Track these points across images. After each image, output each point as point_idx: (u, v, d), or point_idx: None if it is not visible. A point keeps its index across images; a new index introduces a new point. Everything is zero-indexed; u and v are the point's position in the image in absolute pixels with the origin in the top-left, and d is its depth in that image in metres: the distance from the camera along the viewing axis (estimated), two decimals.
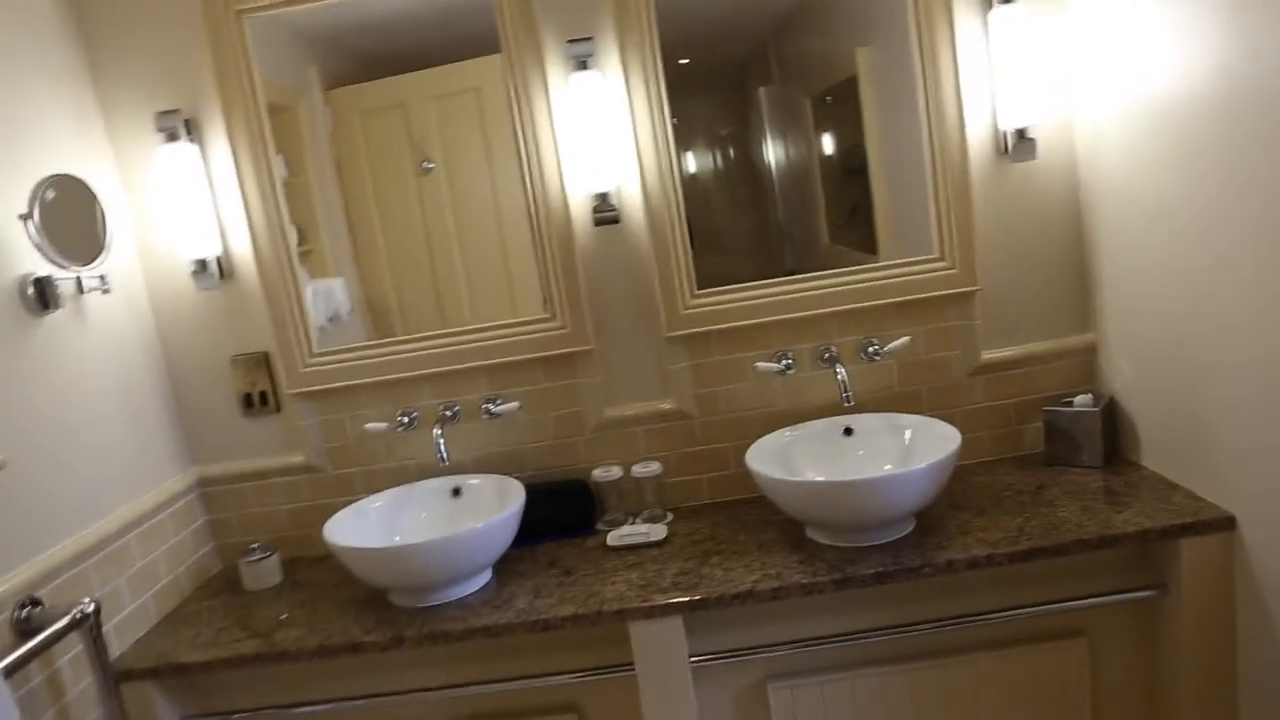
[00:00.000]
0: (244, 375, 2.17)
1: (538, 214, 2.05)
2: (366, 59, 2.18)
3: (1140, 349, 1.94)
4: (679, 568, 1.85)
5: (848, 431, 2.07)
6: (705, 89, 2.19)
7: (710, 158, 2.24)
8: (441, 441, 2.01)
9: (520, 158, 2.03)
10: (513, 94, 2.01)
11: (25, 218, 1.71)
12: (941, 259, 2.08)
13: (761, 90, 2.25)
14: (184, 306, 2.14)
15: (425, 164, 2.14)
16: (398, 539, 2.01)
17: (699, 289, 2.10)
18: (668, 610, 1.72)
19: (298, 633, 1.82)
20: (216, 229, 2.09)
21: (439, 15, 2.09)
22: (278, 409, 2.18)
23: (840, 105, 2.22)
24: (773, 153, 2.28)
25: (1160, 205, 1.78)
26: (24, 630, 1.59)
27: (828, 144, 2.26)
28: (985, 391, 2.16)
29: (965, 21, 1.99)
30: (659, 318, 2.10)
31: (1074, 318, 2.13)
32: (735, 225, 2.29)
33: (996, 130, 2.04)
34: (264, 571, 2.09)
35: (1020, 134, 2.00)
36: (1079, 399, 2.06)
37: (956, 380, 2.15)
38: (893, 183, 2.18)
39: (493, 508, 2.02)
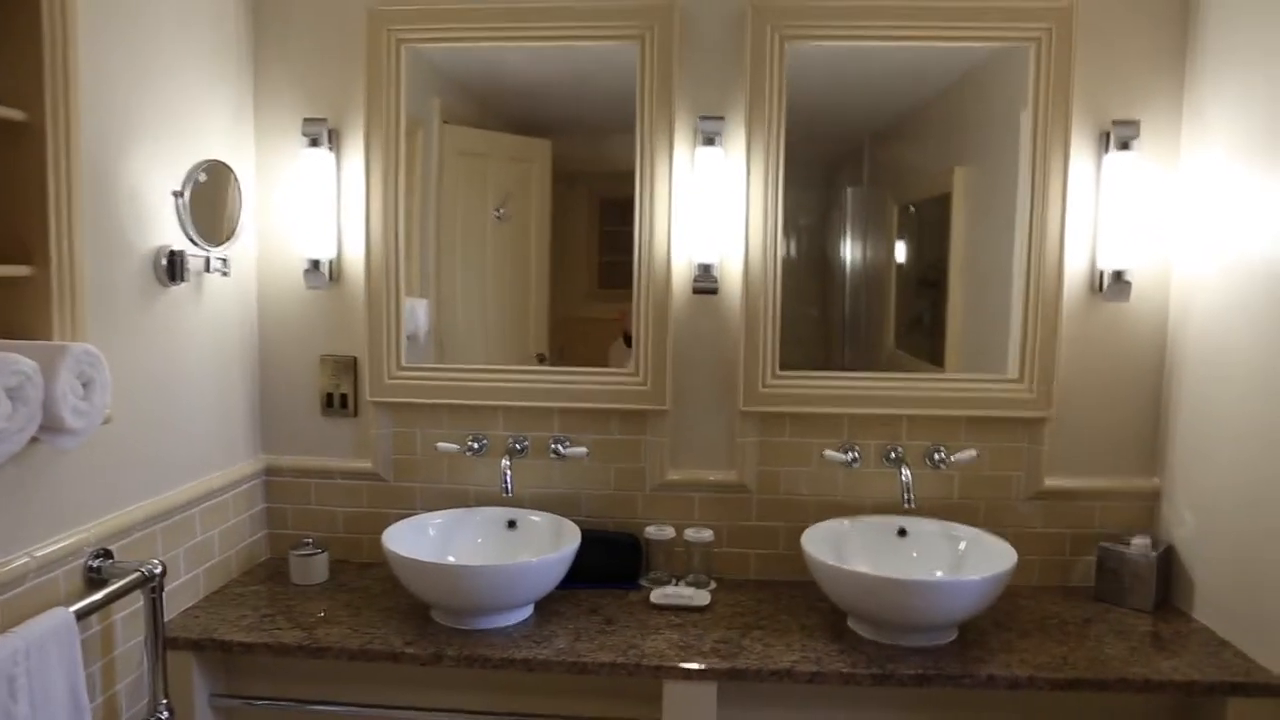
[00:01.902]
0: (330, 376, 2.25)
1: (640, 278, 2.13)
2: (481, 105, 2.34)
3: (1206, 502, 1.96)
4: (720, 635, 1.87)
5: (902, 533, 2.10)
6: (794, 179, 2.22)
7: (786, 246, 2.30)
8: (509, 473, 2.07)
9: (636, 221, 2.12)
10: (638, 160, 2.11)
11: (178, 195, 1.82)
12: (1020, 381, 2.12)
13: (849, 190, 2.33)
14: (289, 301, 2.25)
15: (497, 212, 2.27)
16: (451, 559, 2.05)
17: (780, 370, 2.15)
18: (705, 675, 1.74)
19: (340, 632, 1.86)
20: (335, 234, 2.20)
21: (572, 86, 2.28)
22: (355, 413, 2.26)
23: (928, 218, 2.28)
24: (849, 252, 2.35)
25: (1247, 365, 1.81)
26: (93, 579, 1.64)
27: (907, 253, 2.32)
28: (1042, 518, 2.18)
29: (1079, 161, 2.07)
30: (737, 391, 2.16)
31: (1141, 460, 2.16)
32: (798, 314, 2.32)
33: (1094, 268, 2.10)
34: (313, 567, 2.13)
35: (1117, 275, 2.06)
36: (1136, 541, 2.07)
37: (1015, 501, 2.18)
38: (970, 301, 2.23)
39: (546, 546, 2.06)
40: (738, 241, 2.13)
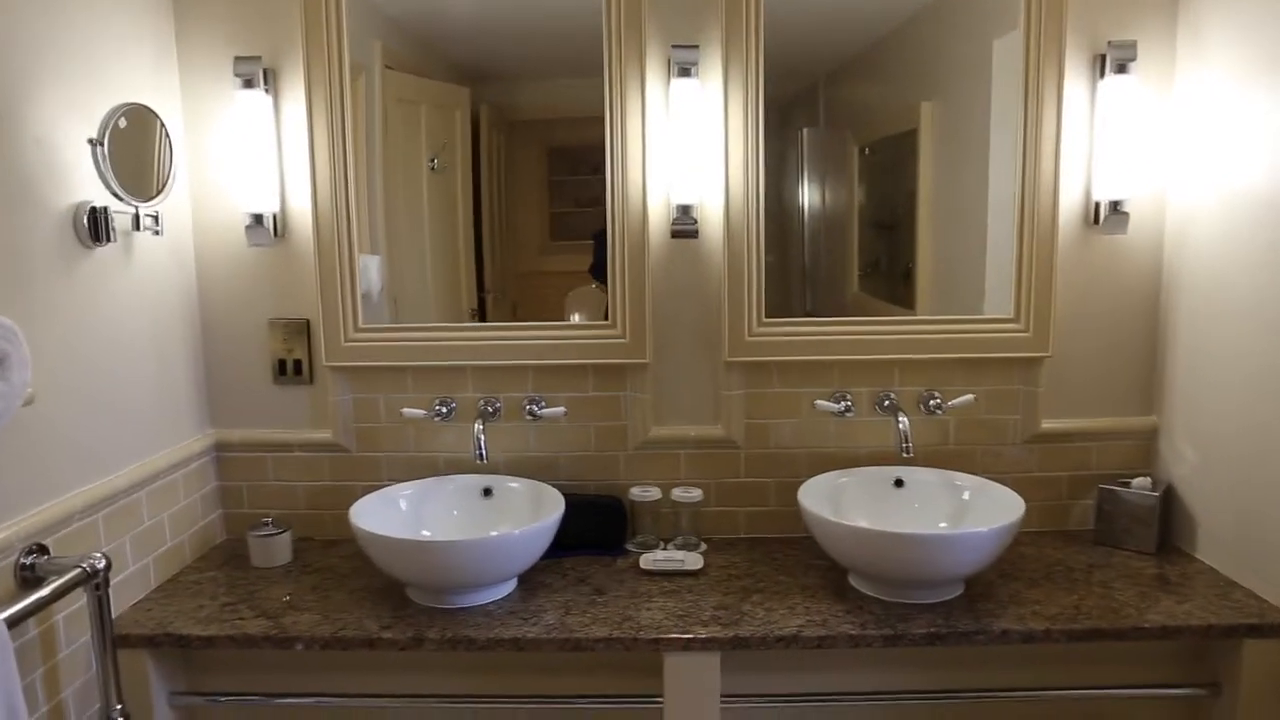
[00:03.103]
0: (281, 340, 2.07)
1: (614, 220, 1.98)
2: (425, 50, 2.16)
3: (1207, 438, 1.90)
4: (718, 601, 1.77)
5: (898, 483, 2.01)
6: None
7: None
8: (482, 438, 1.92)
9: (607, 161, 1.97)
10: (607, 95, 1.95)
11: (95, 143, 1.61)
12: (1016, 321, 2.03)
13: (805, 131, 2.21)
14: (231, 260, 2.05)
15: (431, 162, 2.12)
16: (426, 533, 1.91)
17: (766, 317, 2.03)
18: (707, 644, 1.63)
19: (309, 618, 1.71)
20: (278, 186, 2.01)
21: (519, 28, 2.09)
22: (311, 380, 2.09)
23: (891, 156, 2.17)
24: (807, 195, 2.24)
25: (1249, 296, 1.74)
26: (27, 578, 1.47)
27: (869, 193, 2.20)
28: (1039, 461, 2.11)
29: (1072, 87, 1.96)
30: (721, 340, 2.03)
31: (1138, 398, 2.09)
32: None
33: (1089, 199, 2.00)
34: (274, 548, 1.98)
35: (1114, 206, 1.96)
36: (1137, 481, 2.01)
37: (1011, 445, 2.10)
38: (940, 239, 2.13)
39: (525, 514, 1.93)
40: (717, 180, 1.98)
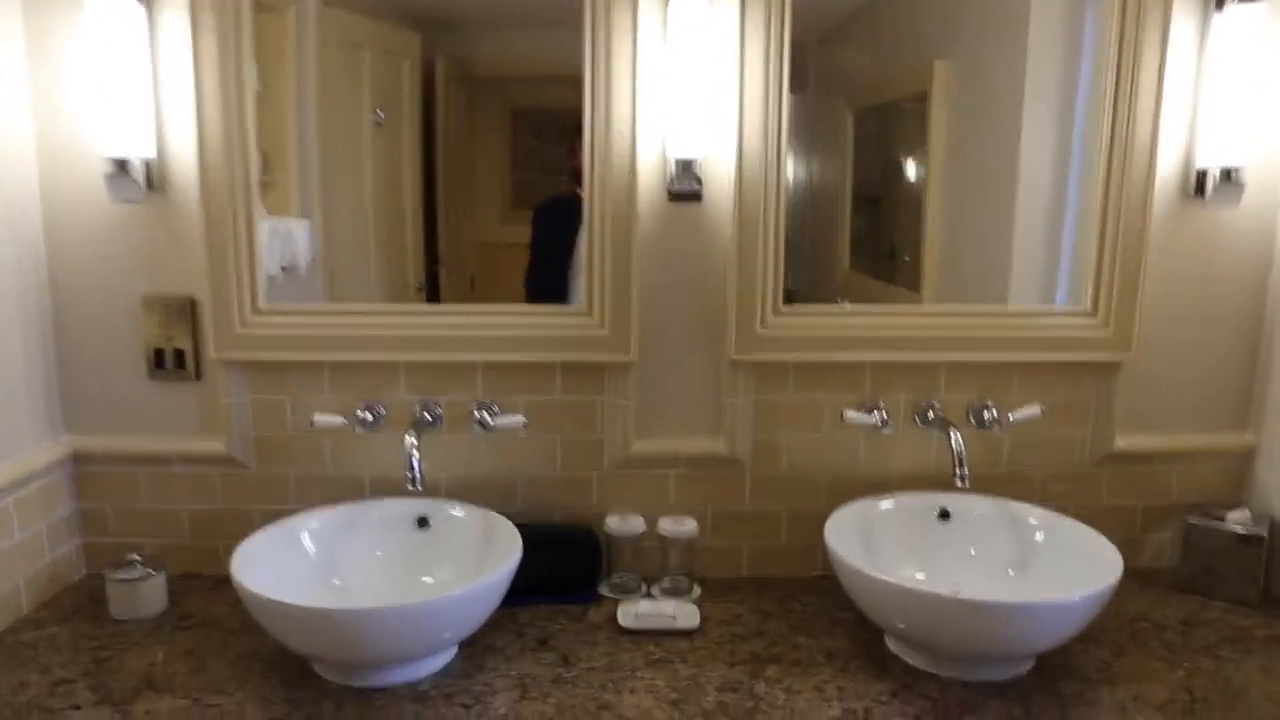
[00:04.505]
0: (158, 324, 1.61)
1: (593, 177, 1.54)
2: None
3: None
4: (722, 677, 1.35)
5: (944, 515, 1.61)
6: None
7: None
8: (416, 456, 1.48)
9: (586, 101, 1.53)
10: (588, 11, 1.50)
11: None
12: (1092, 315, 1.63)
13: (791, 98, 1.84)
14: (89, 219, 1.57)
15: (376, 115, 1.80)
16: (338, 583, 1.46)
17: (785, 304, 1.61)
18: None
19: (172, 706, 1.26)
20: (153, 123, 1.52)
21: None
22: (197, 376, 1.63)
23: (893, 124, 1.88)
24: (791, 167, 1.87)
25: None
26: None
27: (866, 164, 1.91)
28: (1110, 486, 1.72)
29: (1177, 23, 1.55)
30: (726, 333, 1.60)
31: (1231, 412, 1.71)
32: None
33: (1188, 166, 1.60)
34: (141, 596, 1.52)
35: (1227, 175, 1.56)
36: (1234, 515, 1.63)
37: (1079, 467, 1.71)
38: (953, 216, 1.81)
39: (471, 553, 1.49)
40: (729, 129, 1.54)
